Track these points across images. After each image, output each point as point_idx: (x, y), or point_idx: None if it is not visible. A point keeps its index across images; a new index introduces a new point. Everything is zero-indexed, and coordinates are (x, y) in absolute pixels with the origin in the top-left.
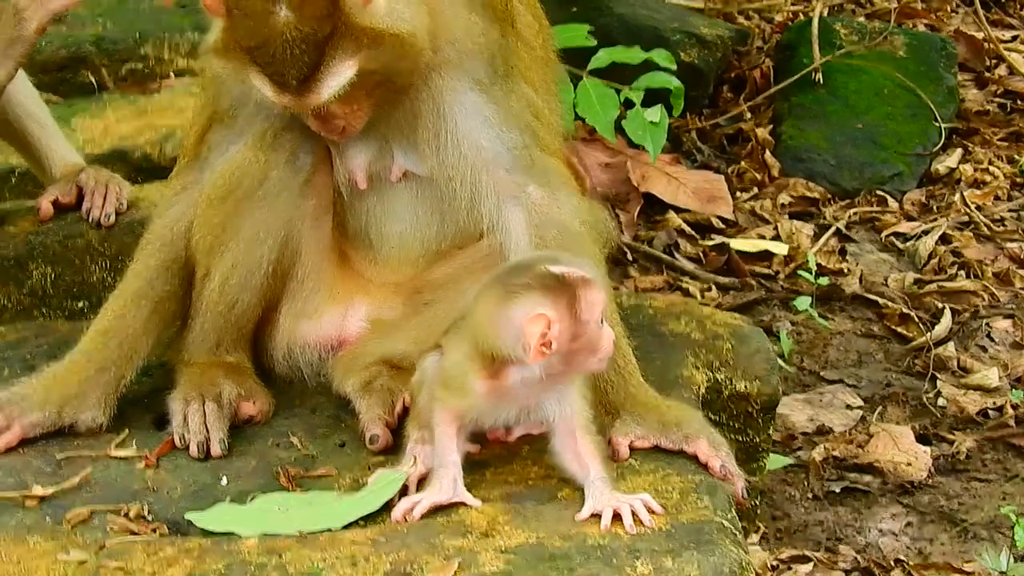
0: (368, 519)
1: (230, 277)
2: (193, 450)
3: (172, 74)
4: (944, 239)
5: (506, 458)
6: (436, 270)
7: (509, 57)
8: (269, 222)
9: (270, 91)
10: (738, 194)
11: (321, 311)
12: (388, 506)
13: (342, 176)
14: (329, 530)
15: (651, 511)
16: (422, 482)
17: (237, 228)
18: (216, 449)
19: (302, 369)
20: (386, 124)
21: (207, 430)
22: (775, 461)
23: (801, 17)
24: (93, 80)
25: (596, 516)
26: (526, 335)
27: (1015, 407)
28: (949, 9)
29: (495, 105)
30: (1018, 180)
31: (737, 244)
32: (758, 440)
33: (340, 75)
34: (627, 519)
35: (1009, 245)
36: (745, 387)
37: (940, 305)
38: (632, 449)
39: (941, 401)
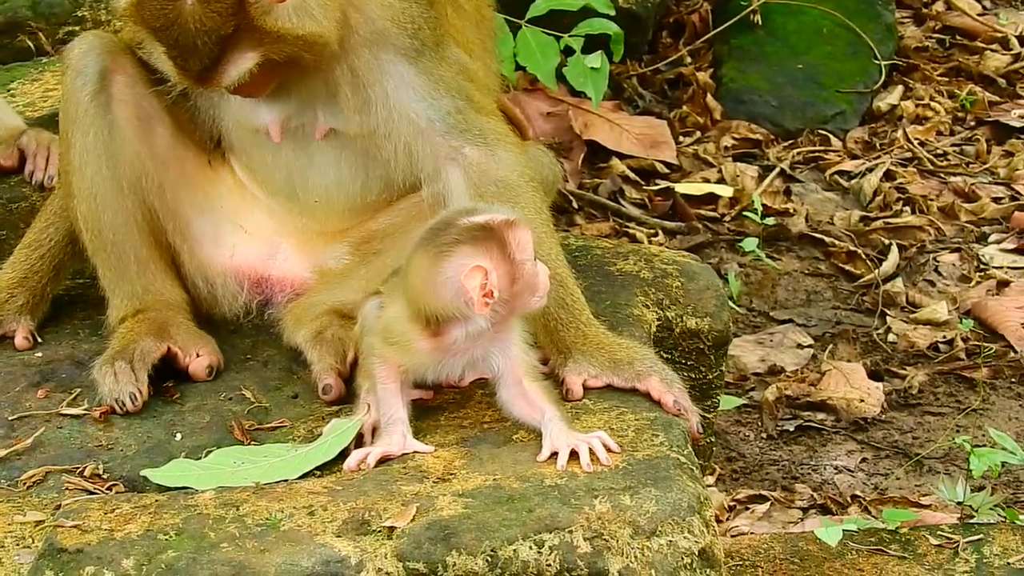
0: (324, 468)
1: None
2: (117, 408)
3: None
4: (888, 176)
5: (460, 403)
6: (381, 219)
7: (437, 26)
8: (105, 151)
9: (171, 71)
10: (681, 138)
11: (232, 243)
12: (344, 455)
13: (247, 126)
14: (285, 481)
15: (608, 449)
16: (377, 429)
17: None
18: (128, 405)
19: (228, 301)
20: (305, 87)
21: (123, 388)
22: (728, 402)
23: None
24: (31, 44)
25: (554, 456)
26: (466, 290)
27: (965, 340)
28: None
29: (424, 76)
30: (959, 115)
31: (682, 188)
32: (711, 377)
33: (241, 67)
34: (584, 458)
35: (953, 179)
36: (696, 324)
37: (886, 241)
38: (586, 388)
39: (891, 337)
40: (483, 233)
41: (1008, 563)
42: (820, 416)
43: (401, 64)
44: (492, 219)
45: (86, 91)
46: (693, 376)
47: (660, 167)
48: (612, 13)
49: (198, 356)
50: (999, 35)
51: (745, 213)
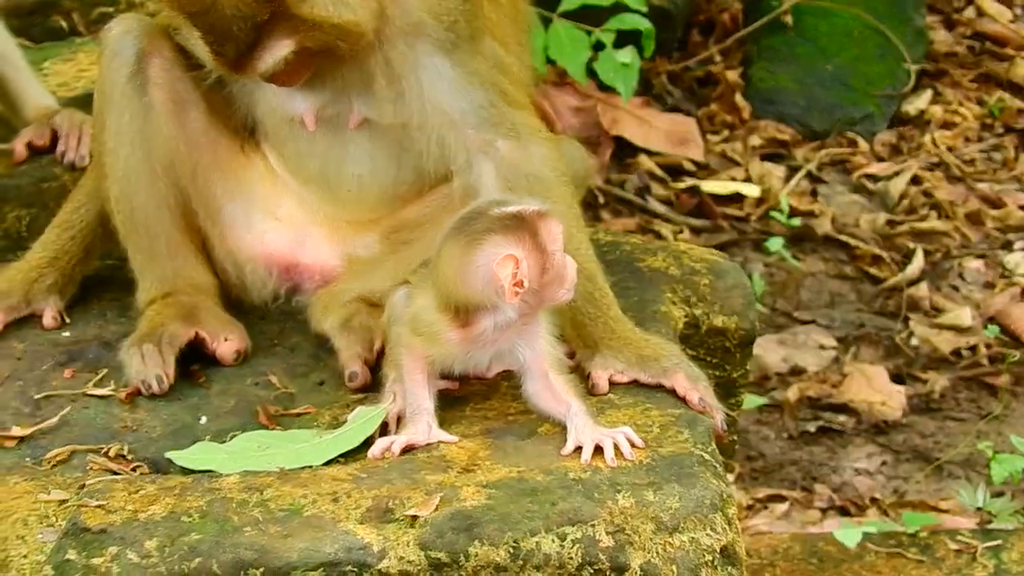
0: (348, 456)
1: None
2: (143, 390)
3: None
4: (915, 180)
5: (485, 394)
6: (412, 209)
7: (474, 19)
8: (140, 134)
9: (207, 57)
10: (709, 137)
11: (263, 229)
12: (368, 443)
13: (281, 114)
14: (310, 467)
15: (632, 444)
16: (402, 418)
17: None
18: (154, 387)
19: (257, 287)
20: (340, 77)
21: (150, 370)
22: (750, 401)
23: None
24: (64, 24)
25: (578, 450)
26: (498, 278)
27: (988, 346)
28: None
29: (459, 68)
30: (987, 121)
31: (709, 186)
32: (735, 375)
33: (276, 54)
34: (608, 452)
35: (979, 185)
36: (723, 322)
37: (912, 246)
38: (612, 383)
39: (914, 341)
40: (515, 223)
41: None
42: (841, 418)
43: (436, 56)
44: (524, 209)
45: (123, 72)
46: (718, 374)
47: (687, 165)
48: (644, 9)
49: (226, 341)
50: None
51: (771, 213)
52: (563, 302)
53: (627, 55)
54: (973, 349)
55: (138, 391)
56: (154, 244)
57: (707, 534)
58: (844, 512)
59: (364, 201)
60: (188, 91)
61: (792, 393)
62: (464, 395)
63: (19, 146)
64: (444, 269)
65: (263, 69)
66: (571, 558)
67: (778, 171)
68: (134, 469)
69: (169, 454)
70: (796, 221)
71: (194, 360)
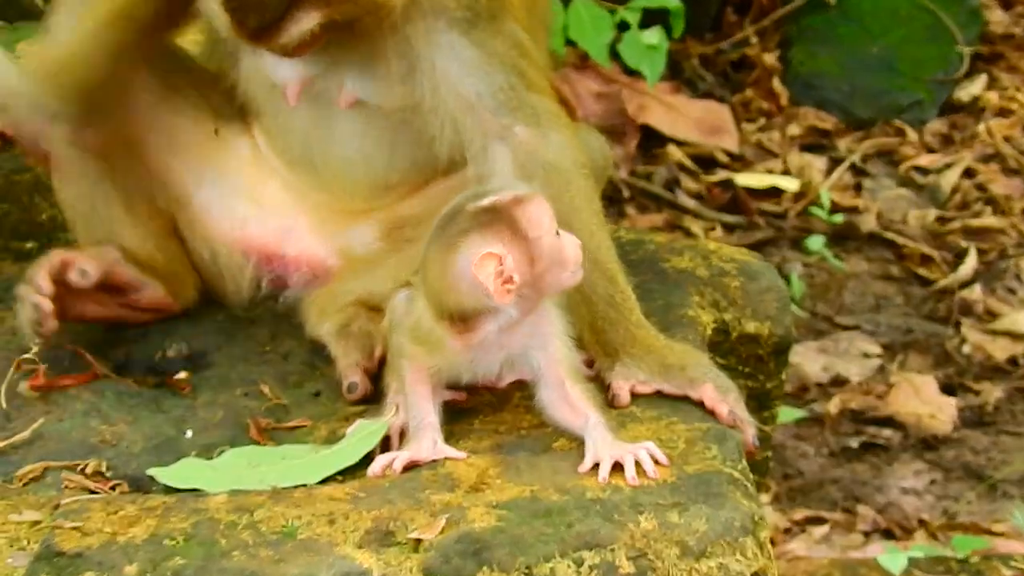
0: (346, 473)
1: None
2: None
3: None
4: (968, 173)
5: (496, 406)
6: (414, 203)
7: None
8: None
9: (225, 25)
10: (744, 125)
11: (243, 215)
12: (368, 460)
13: (261, 78)
14: (304, 485)
15: (655, 461)
16: (405, 433)
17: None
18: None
19: (233, 274)
20: (341, 51)
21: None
22: (787, 414)
23: None
24: (39, 3)
25: (596, 467)
26: (481, 281)
27: None
28: None
29: (477, 48)
30: None
31: (743, 179)
32: (769, 386)
33: (303, 26)
34: (629, 470)
35: None
36: (755, 328)
37: (964, 244)
38: (633, 394)
39: (966, 348)
40: (489, 217)
41: None
42: (886, 432)
43: (453, 34)
44: (498, 200)
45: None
46: (750, 385)
47: (720, 156)
48: None
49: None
50: None
51: (811, 209)
52: (571, 285)
53: (654, 36)
54: None
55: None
56: (92, 231)
57: (737, 560)
58: (889, 535)
59: (352, 188)
60: (130, 69)
61: (833, 405)
62: (473, 407)
63: None
64: (429, 277)
65: (286, 41)
66: None
67: (819, 163)
68: (113, 487)
69: (151, 471)
70: (838, 218)
71: (178, 368)
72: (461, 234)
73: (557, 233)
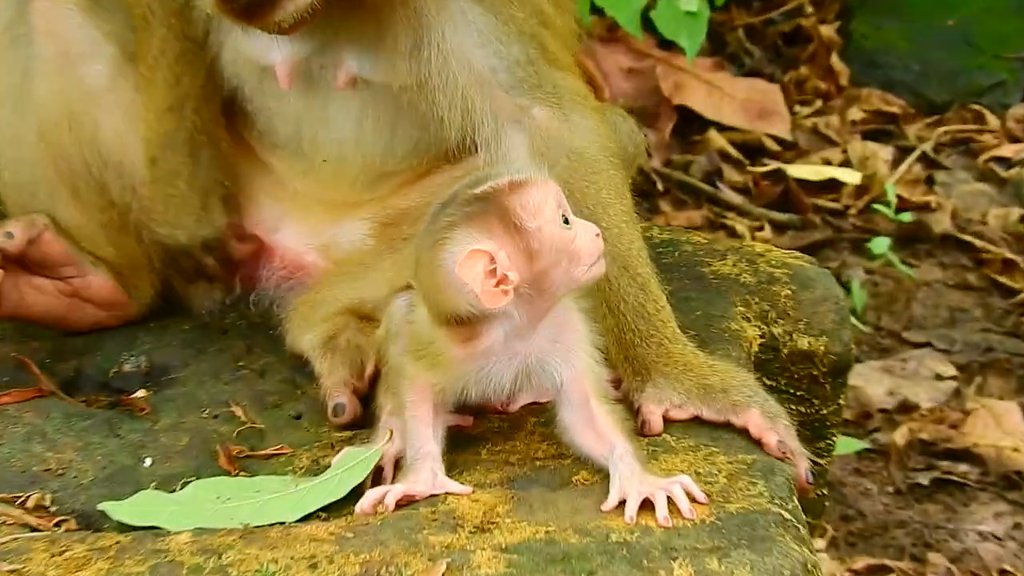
0: (331, 509)
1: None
2: None
3: None
4: None
5: (506, 432)
6: (412, 194)
7: None
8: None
9: (209, 1)
10: (797, 108)
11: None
12: (357, 494)
13: (248, 60)
14: (282, 524)
15: (692, 498)
16: (400, 463)
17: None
18: None
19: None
20: (340, 24)
21: None
22: (846, 445)
23: None
24: None
25: (623, 505)
26: (468, 282)
27: None
28: None
29: (491, 15)
30: None
31: (796, 171)
32: (825, 412)
33: (298, 2)
34: (661, 509)
35: None
36: (809, 344)
37: None
38: (667, 420)
39: None
40: (480, 206)
41: None
42: (962, 468)
43: (465, 1)
44: (491, 186)
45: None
46: (803, 410)
47: (769, 143)
48: None
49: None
50: None
51: (875, 206)
52: (589, 281)
53: (693, 3)
54: None
55: None
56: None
57: None
58: None
59: (343, 175)
60: (92, 42)
61: (899, 436)
62: (480, 434)
63: None
64: (420, 276)
65: (280, 18)
66: None
67: (884, 152)
68: (58, 524)
69: (103, 505)
70: (906, 216)
71: (136, 385)
72: (448, 228)
73: (566, 221)
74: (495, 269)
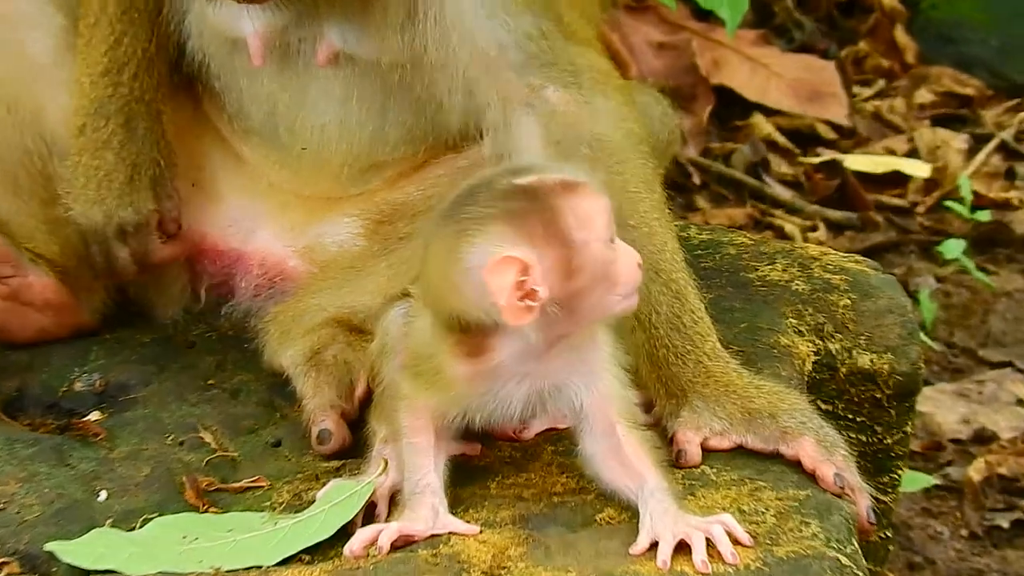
0: (316, 552)
1: None
2: None
3: None
4: None
5: (520, 463)
6: (409, 187)
7: None
8: None
9: None
10: (856, 89)
11: (186, 201)
12: (346, 533)
13: (217, 32)
14: (259, 567)
15: (734, 540)
16: (396, 498)
17: None
18: None
19: (163, 280)
20: None
21: None
22: (912, 481)
23: None
24: None
25: (655, 547)
26: (493, 291)
27: None
28: None
29: None
30: None
31: (855, 162)
32: (889, 442)
33: None
34: (699, 552)
35: None
36: (871, 362)
37: None
38: (706, 450)
39: None
40: (523, 203)
41: None
42: None
43: None
44: (541, 180)
45: None
46: (864, 439)
47: (823, 130)
48: None
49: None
50: None
51: (947, 203)
52: (620, 313)
53: None
54: None
55: None
56: None
57: None
58: None
59: (328, 166)
60: (38, 9)
61: (975, 470)
62: (489, 464)
63: None
64: (430, 271)
65: None
66: None
67: (957, 141)
68: (0, 567)
69: (51, 546)
70: (983, 215)
71: (89, 407)
72: (481, 219)
73: (611, 241)
74: (525, 281)
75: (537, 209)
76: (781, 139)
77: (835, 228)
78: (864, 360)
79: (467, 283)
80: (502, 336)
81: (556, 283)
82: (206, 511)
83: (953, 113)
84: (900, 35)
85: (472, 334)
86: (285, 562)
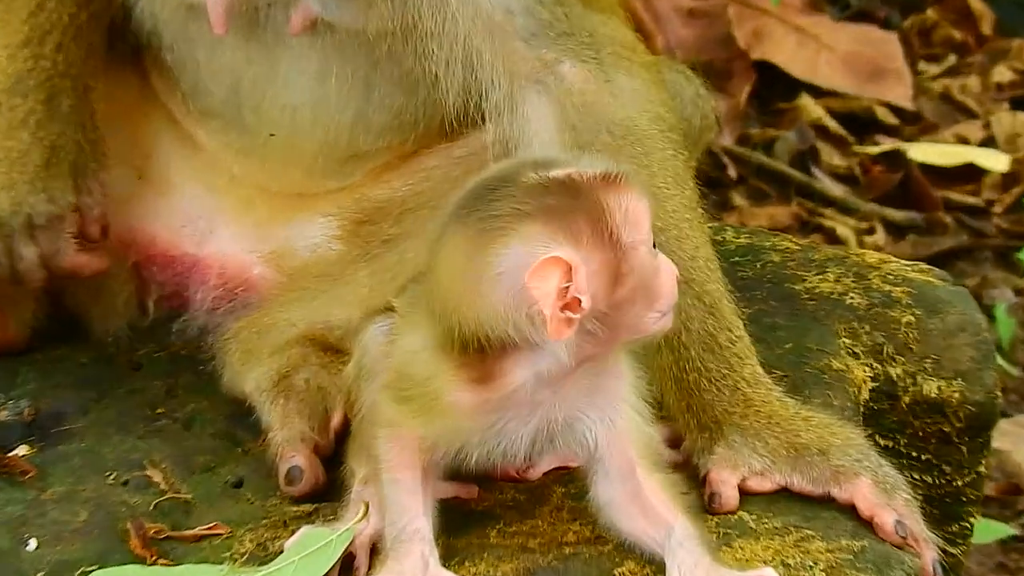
0: None
1: None
2: None
3: None
4: None
5: (525, 508)
6: (394, 180)
7: None
8: None
9: None
10: (922, 66)
11: (119, 196)
12: None
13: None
14: None
15: None
16: (379, 547)
17: None
18: None
19: (102, 294)
20: None
21: None
22: (988, 530)
23: None
24: None
25: None
26: (535, 297)
27: None
28: None
29: None
30: None
31: (920, 153)
32: (960, 484)
33: None
34: None
35: None
36: (939, 390)
37: None
38: (744, 492)
39: None
40: (564, 199)
41: None
42: None
43: None
44: (581, 173)
45: None
46: (930, 481)
47: (883, 114)
48: None
49: None
50: None
51: None
52: (654, 334)
53: None
54: None
55: None
56: None
57: None
58: None
59: (300, 155)
60: None
61: None
62: (488, 508)
63: None
64: (444, 279)
65: None
66: None
67: None
68: None
69: None
70: None
71: (15, 440)
72: (512, 217)
73: (654, 247)
74: (567, 288)
75: (580, 206)
76: (833, 125)
77: (896, 231)
78: (931, 387)
79: (499, 290)
80: (521, 358)
81: (601, 291)
82: (154, 563)
83: None
84: (974, 2)
85: (483, 355)
86: None
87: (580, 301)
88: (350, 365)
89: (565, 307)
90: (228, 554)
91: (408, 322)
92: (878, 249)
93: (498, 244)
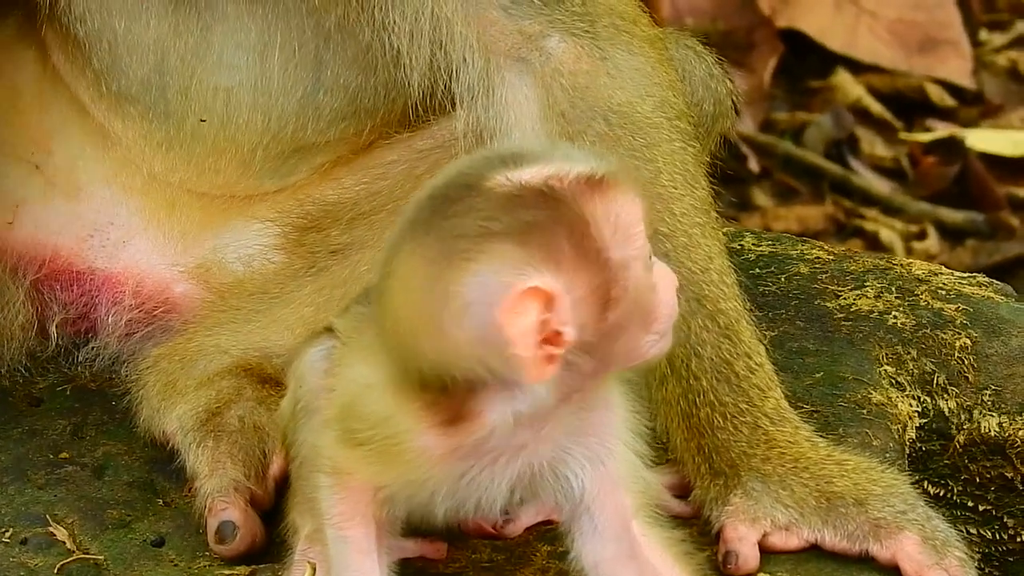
0: None
1: None
2: None
3: None
4: None
5: (503, 569)
6: (344, 178)
7: None
8: None
9: None
10: (983, 35)
11: (16, 198)
12: None
13: None
14: None
15: None
16: None
17: None
18: None
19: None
20: None
21: None
22: None
23: None
24: None
25: None
26: (509, 338)
27: None
28: None
29: None
30: None
31: (981, 140)
32: (1023, 538)
33: None
34: None
35: None
36: (998, 429)
37: None
38: (766, 551)
39: None
40: (540, 212)
41: None
42: None
43: None
44: (559, 177)
45: None
46: (989, 535)
47: (936, 94)
48: None
49: None
50: None
51: None
52: (651, 359)
53: None
54: None
55: None
56: None
57: None
58: None
59: (235, 148)
60: None
61: None
62: (458, 570)
63: None
64: (398, 307)
65: None
66: None
67: None
68: None
69: None
70: None
71: None
72: (480, 236)
73: (650, 259)
74: (548, 320)
75: (560, 219)
76: (876, 107)
77: (952, 235)
78: (990, 424)
79: (464, 326)
80: (494, 396)
81: (588, 320)
82: None
83: None
84: None
85: (450, 394)
86: None
87: (564, 334)
88: (285, 399)
89: (545, 340)
90: None
91: (355, 348)
92: (929, 258)
93: (462, 271)
